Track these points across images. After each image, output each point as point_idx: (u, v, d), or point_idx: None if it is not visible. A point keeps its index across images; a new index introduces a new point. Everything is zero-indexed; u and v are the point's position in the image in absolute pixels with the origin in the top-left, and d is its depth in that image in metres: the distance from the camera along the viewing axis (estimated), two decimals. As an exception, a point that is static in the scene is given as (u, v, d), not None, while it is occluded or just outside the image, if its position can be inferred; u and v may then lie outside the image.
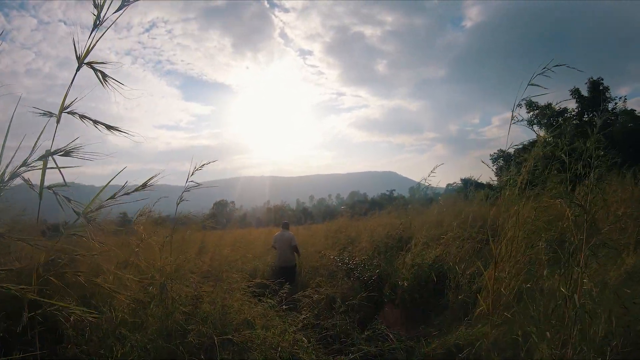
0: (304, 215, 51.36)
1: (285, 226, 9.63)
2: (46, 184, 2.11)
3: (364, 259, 6.89)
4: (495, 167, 27.89)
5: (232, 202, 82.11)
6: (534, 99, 23.72)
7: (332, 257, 7.47)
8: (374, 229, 9.47)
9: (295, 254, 8.86)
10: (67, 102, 2.08)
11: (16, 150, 2.09)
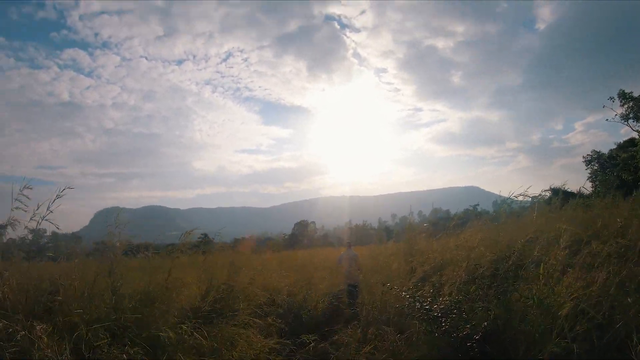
0: (386, 234, 48.51)
1: (349, 245, 10.60)
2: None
3: (457, 299, 3.91)
4: (588, 171, 24.37)
5: (313, 222, 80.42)
6: (627, 90, 20.93)
7: (403, 294, 4.59)
8: (472, 248, 6.31)
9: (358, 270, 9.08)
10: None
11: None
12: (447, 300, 3.94)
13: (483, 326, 3.46)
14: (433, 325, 3.76)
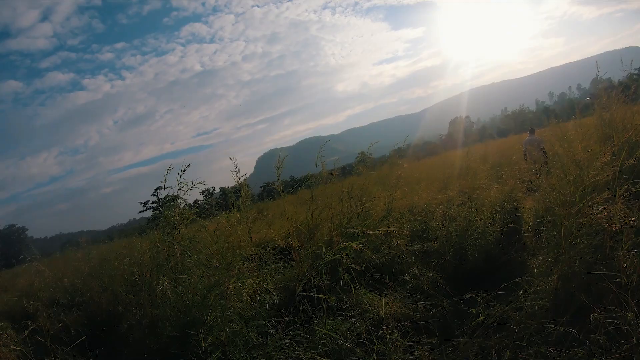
0: (546, 115, 42.35)
1: (532, 132, 10.84)
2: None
3: None
4: None
5: (467, 117, 74.45)
6: None
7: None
8: None
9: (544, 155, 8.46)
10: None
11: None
12: None
13: None
14: None
